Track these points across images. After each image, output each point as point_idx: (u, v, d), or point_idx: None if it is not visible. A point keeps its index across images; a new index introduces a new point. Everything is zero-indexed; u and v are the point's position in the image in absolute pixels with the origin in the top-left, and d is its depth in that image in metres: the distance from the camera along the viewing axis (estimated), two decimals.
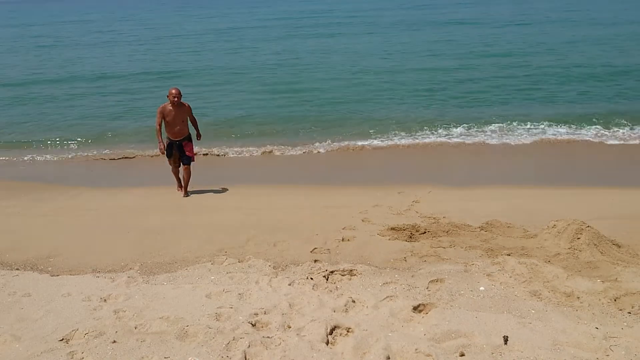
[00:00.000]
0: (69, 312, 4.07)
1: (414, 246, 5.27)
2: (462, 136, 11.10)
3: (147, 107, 14.36)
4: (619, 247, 4.93)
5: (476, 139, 10.88)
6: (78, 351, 3.50)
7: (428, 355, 3.33)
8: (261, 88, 16.84)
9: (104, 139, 11.96)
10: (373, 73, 18.39)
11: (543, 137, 10.82)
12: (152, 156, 10.23)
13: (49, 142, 11.91)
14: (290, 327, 3.74)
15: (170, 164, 7.72)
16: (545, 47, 22.09)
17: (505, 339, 3.48)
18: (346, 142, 10.87)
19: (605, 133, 10.88)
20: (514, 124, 11.59)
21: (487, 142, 10.72)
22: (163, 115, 7.29)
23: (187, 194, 7.73)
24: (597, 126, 11.24)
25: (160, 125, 7.37)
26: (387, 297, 4.16)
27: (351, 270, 4.69)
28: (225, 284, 4.51)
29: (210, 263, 5.06)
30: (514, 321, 3.72)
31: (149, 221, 6.48)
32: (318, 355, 3.36)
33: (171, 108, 7.26)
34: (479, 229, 5.70)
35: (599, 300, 4.00)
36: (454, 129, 11.45)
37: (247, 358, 3.35)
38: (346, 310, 3.98)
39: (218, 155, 10.55)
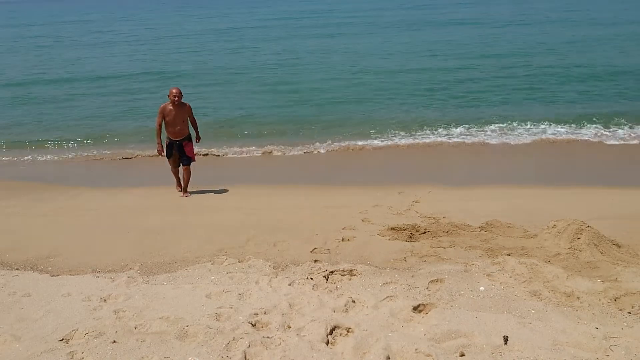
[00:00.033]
0: (69, 312, 4.06)
1: (414, 246, 5.27)
2: (462, 136, 11.10)
3: (147, 107, 14.36)
4: (619, 247, 4.93)
5: (476, 139, 10.88)
6: (78, 351, 3.50)
7: (428, 355, 3.33)
8: (261, 88, 16.85)
9: (104, 139, 11.96)
10: (373, 73, 18.39)
11: (543, 137, 10.83)
12: (152, 156, 10.23)
13: (49, 142, 11.91)
14: (290, 327, 3.74)
15: (170, 163, 7.71)
16: (545, 47, 22.10)
17: (505, 339, 3.48)
18: (346, 142, 10.88)
19: (605, 133, 10.88)
20: (514, 124, 11.60)
21: (487, 142, 10.73)
22: (163, 115, 7.28)
23: (187, 194, 7.73)
24: (597, 126, 11.24)
25: (160, 125, 7.36)
26: (387, 297, 4.16)
27: (351, 270, 4.69)
28: (225, 284, 4.51)
29: (210, 263, 5.06)
30: (514, 321, 3.72)
31: (149, 221, 6.48)
32: (318, 355, 3.36)
33: (172, 108, 7.25)
34: (479, 229, 5.70)
35: (599, 300, 4.00)
36: (454, 129, 11.46)
37: (247, 358, 3.35)
38: (346, 310, 3.98)
39: (218, 155, 10.55)
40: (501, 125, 11.58)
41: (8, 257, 5.41)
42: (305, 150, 10.55)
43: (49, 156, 11.01)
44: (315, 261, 4.98)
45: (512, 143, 10.57)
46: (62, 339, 3.66)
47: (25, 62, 24.77)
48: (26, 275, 4.90)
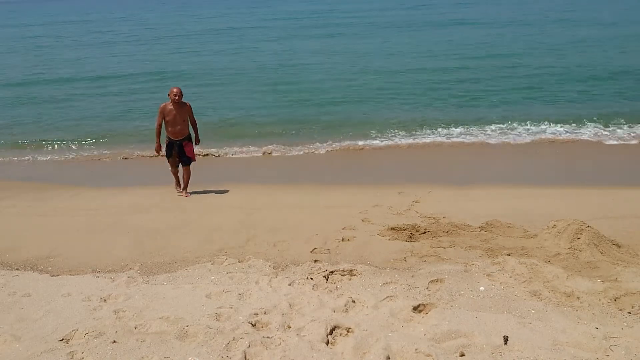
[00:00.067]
0: (69, 312, 4.06)
1: (414, 246, 5.27)
2: (462, 136, 11.10)
3: (147, 108, 14.36)
4: (619, 247, 4.94)
5: (476, 139, 10.88)
6: (78, 351, 3.50)
7: (428, 355, 3.33)
8: (261, 88, 16.85)
9: (104, 139, 11.97)
10: (373, 73, 18.39)
11: (543, 136, 10.83)
12: (152, 156, 10.23)
13: (49, 142, 11.91)
14: (290, 327, 3.74)
15: (170, 163, 7.71)
16: (545, 47, 22.10)
17: (505, 339, 3.48)
18: (346, 142, 10.88)
19: (605, 133, 10.89)
20: (514, 124, 11.60)
21: (487, 142, 10.73)
22: (163, 115, 7.27)
23: (187, 194, 7.73)
24: (597, 126, 11.25)
25: (160, 124, 7.36)
26: (387, 297, 4.16)
27: (351, 271, 4.69)
28: (225, 284, 4.51)
29: (210, 263, 5.06)
30: (514, 321, 3.72)
31: (149, 221, 6.48)
32: (318, 355, 3.36)
33: (172, 107, 7.24)
34: (479, 229, 5.70)
35: (599, 300, 4.00)
36: (454, 129, 11.46)
37: (247, 358, 3.35)
38: (346, 310, 3.98)
39: (218, 155, 10.56)
40: (501, 125, 11.58)
41: (8, 257, 5.42)
42: (305, 151, 10.55)
43: (49, 156, 11.02)
44: (315, 261, 4.98)
45: (512, 143, 10.57)
46: (62, 339, 3.66)
47: (25, 62, 24.77)
48: (26, 275, 4.90)
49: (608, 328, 3.60)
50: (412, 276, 4.55)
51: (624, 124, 11.24)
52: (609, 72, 16.67)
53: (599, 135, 10.77)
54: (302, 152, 10.49)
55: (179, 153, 7.50)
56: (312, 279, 4.55)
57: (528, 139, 10.69)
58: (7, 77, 20.66)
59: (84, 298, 4.31)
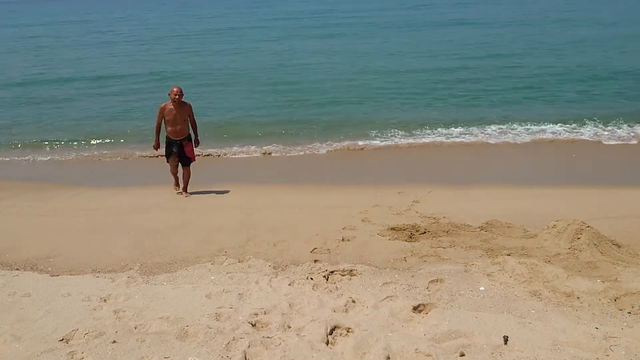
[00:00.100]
0: (69, 312, 4.06)
1: (414, 246, 5.27)
2: (462, 136, 11.10)
3: (147, 108, 14.35)
4: (619, 247, 4.94)
5: (476, 139, 10.88)
6: (78, 351, 3.50)
7: (428, 355, 3.33)
8: (261, 88, 16.84)
9: (104, 139, 11.96)
10: (373, 73, 18.39)
11: (543, 136, 10.83)
12: (152, 156, 10.23)
13: (49, 142, 11.90)
14: (290, 327, 3.74)
15: (169, 163, 7.70)
16: (545, 47, 22.10)
17: (505, 339, 3.48)
18: (346, 142, 10.87)
19: (605, 133, 10.89)
20: (514, 123, 11.59)
21: (487, 141, 10.73)
22: (163, 114, 7.27)
23: (187, 194, 7.72)
24: (597, 126, 11.25)
25: (159, 124, 7.36)
26: (387, 297, 4.16)
27: (351, 271, 4.69)
28: (225, 284, 4.51)
29: (210, 263, 5.06)
30: (514, 321, 3.72)
31: (149, 221, 6.48)
32: (318, 355, 3.36)
33: (172, 107, 7.24)
34: (479, 229, 5.70)
35: (599, 300, 4.00)
36: (454, 129, 11.46)
37: (247, 358, 3.35)
38: (346, 311, 3.98)
39: (218, 155, 10.55)
40: (501, 125, 11.58)
41: (8, 257, 5.41)
42: (305, 151, 10.55)
43: (49, 156, 11.01)
44: (315, 261, 4.98)
45: (512, 143, 10.57)
46: (62, 339, 3.66)
47: (25, 62, 24.76)
48: (26, 275, 4.90)
49: (608, 328, 3.60)
50: (412, 276, 4.55)
51: (623, 124, 11.24)
52: (609, 72, 16.68)
53: (598, 135, 10.77)
54: (302, 152, 10.48)
55: (179, 153, 7.49)
56: (312, 279, 4.55)
57: (528, 139, 10.69)
58: (7, 77, 20.65)
59: (84, 298, 4.31)
